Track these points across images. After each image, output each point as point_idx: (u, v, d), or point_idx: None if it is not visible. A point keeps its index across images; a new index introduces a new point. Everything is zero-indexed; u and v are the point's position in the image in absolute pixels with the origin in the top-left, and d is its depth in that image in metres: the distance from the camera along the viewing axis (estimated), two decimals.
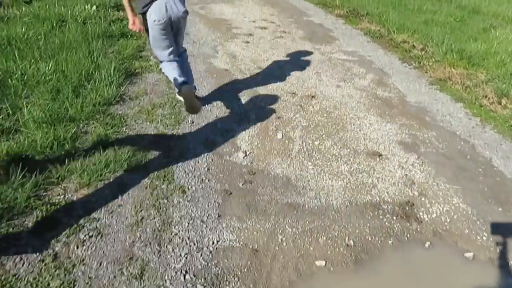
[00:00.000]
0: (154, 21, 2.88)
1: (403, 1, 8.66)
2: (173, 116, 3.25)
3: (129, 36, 4.80)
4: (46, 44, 3.98)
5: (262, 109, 3.62)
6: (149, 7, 2.87)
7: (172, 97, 3.58)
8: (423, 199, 2.64)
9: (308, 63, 4.84)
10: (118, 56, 4.19)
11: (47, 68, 3.38)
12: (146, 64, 4.16)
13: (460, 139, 3.40)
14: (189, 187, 2.47)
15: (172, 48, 3.07)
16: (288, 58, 4.91)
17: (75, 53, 3.88)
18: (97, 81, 3.40)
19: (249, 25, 6.20)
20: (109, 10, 5.61)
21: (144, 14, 2.94)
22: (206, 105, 3.55)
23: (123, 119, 3.07)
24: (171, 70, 3.07)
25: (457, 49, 5.46)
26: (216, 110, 3.50)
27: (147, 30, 3.01)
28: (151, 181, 2.45)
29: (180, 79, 2.99)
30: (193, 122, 3.24)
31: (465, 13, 8.10)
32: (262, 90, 4.00)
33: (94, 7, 5.37)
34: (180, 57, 3.25)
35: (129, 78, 3.77)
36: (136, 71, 4.00)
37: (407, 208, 2.53)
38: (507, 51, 5.57)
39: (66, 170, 2.34)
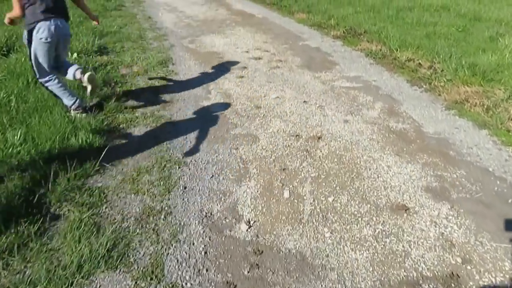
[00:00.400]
0: (41, 39, 3.21)
1: (400, 14, 8.32)
2: (162, 183, 2.81)
3: (113, 84, 4.41)
4: (18, 105, 3.58)
5: (263, 160, 3.18)
6: (35, 25, 3.17)
7: (161, 156, 3.15)
8: (468, 267, 2.17)
9: (309, 95, 4.43)
10: (99, 109, 3.79)
11: (16, 137, 2.97)
12: (131, 117, 3.76)
13: (494, 178, 2.94)
14: (184, 284, 2.01)
15: (51, 66, 3.42)
16: (287, 92, 4.50)
17: (50, 113, 3.48)
18: (73, 148, 2.98)
19: (242, 56, 5.83)
20: (92, 56, 5.24)
21: (30, 31, 3.21)
22: (200, 163, 3.11)
23: (103, 194, 2.64)
24: (61, 91, 3.50)
25: (468, 64, 5.05)
26: (212, 168, 3.06)
27: (30, 45, 3.27)
28: (136, 283, 1.99)
29: (72, 100, 3.54)
30: (185, 188, 2.79)
31: (466, 22, 7.74)
32: (262, 135, 3.58)
33: (75, 54, 5.01)
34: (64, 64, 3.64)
35: (112, 137, 3.35)
36: (120, 126, 3.59)
37: (452, 284, 2.06)
38: None
39: (27, 283, 1.89)
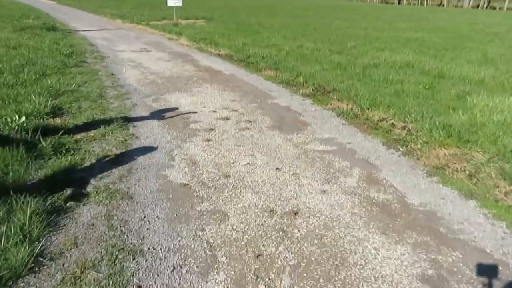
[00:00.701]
0: None
1: (367, 72, 8.40)
2: (111, 282, 2.31)
3: (64, 152, 3.93)
4: None
5: (234, 244, 2.75)
6: None
7: (113, 244, 2.66)
8: None
9: (281, 161, 4.10)
10: (45, 185, 3.29)
11: None
12: (81, 192, 3.26)
13: (494, 261, 2.62)
14: None
15: None
16: (257, 158, 4.16)
17: None
18: (3, 240, 2.45)
19: (209, 116, 5.51)
20: (43, 119, 4.77)
21: None
22: (160, 251, 2.64)
23: None
24: None
25: (442, 125, 4.93)
26: (173, 257, 2.59)
27: None
28: None
29: None
30: (140, 287, 2.30)
31: (431, 79, 7.88)
32: (231, 211, 3.16)
33: (24, 118, 4.52)
34: None
35: (54, 222, 2.83)
36: (67, 205, 3.08)
37: None
38: (494, 122, 5.10)
39: None
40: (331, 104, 6.13)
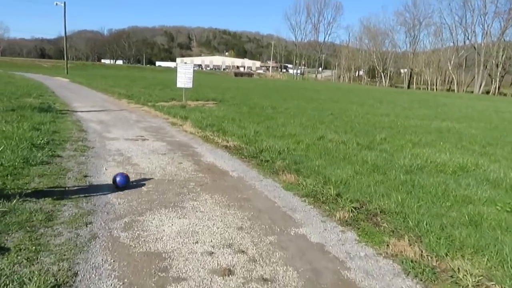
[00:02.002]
0: None
1: (416, 179, 6.45)
2: None
3: None
4: None
5: None
6: None
7: None
8: None
9: None
10: None
11: None
12: None
13: None
14: None
15: None
16: None
17: None
18: None
19: (202, 265, 3.50)
20: None
21: None
22: None
23: None
24: None
25: None
26: None
27: None
28: None
29: None
30: None
31: (504, 193, 5.88)
32: None
33: None
34: None
35: None
36: None
37: None
38: None
39: None
40: (387, 244, 4.08)
